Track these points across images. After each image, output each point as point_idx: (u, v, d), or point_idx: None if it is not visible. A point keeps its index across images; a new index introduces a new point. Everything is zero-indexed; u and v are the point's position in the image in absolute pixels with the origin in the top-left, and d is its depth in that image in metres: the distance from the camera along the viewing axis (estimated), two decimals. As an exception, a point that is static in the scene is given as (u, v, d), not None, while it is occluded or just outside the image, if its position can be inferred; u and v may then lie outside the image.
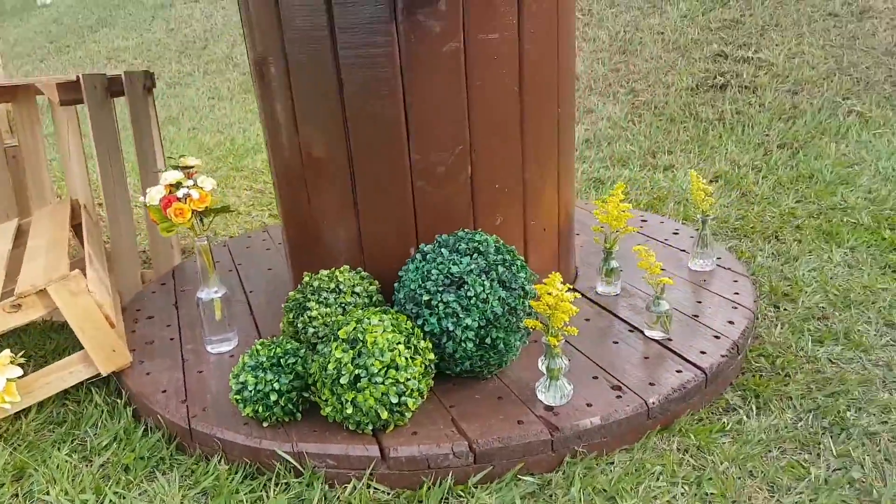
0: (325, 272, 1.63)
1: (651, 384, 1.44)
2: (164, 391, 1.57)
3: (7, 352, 1.55)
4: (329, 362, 1.34)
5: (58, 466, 1.44)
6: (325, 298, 1.56)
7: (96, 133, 2.03)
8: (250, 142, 4.62)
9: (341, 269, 1.64)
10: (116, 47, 7.28)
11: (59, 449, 1.49)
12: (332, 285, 1.58)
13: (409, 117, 1.59)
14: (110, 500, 1.34)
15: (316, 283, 1.59)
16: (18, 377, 1.55)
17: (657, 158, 3.29)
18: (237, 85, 5.79)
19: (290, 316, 1.59)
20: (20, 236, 2.12)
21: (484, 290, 1.43)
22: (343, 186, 1.70)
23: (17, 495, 1.38)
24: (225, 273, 2.28)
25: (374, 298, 1.62)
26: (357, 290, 1.59)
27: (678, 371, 1.48)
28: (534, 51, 1.65)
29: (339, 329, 1.39)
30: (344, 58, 1.57)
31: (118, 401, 1.64)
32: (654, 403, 1.40)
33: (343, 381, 1.31)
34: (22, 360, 1.57)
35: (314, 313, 1.54)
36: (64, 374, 1.63)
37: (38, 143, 2.48)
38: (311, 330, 1.54)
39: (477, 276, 1.44)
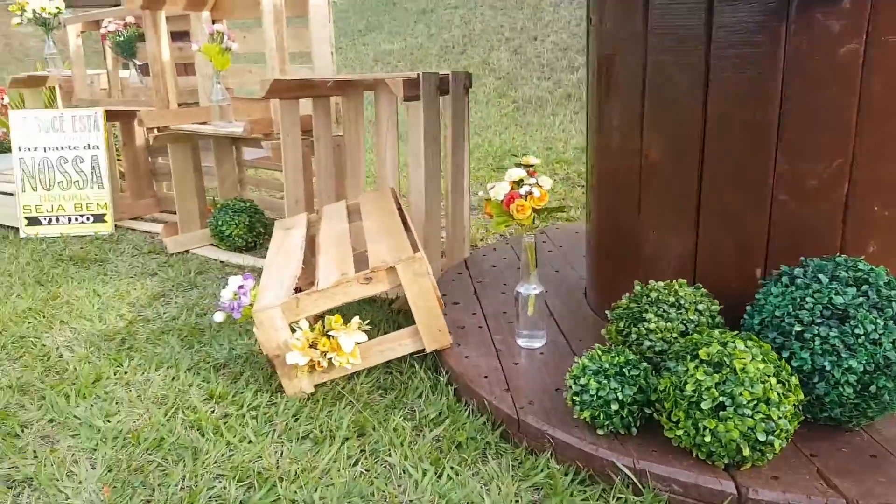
0: (660, 284, 1.55)
1: None
2: (486, 377, 1.63)
3: (357, 318, 1.73)
4: (686, 383, 1.25)
5: (395, 430, 1.56)
6: (664, 312, 1.47)
7: (427, 127, 2.19)
8: (507, 144, 4.76)
9: (679, 282, 1.54)
10: (383, 50, 8.07)
11: (393, 414, 1.62)
12: (672, 299, 1.49)
13: (782, 122, 1.43)
14: (447, 475, 1.41)
15: (653, 295, 1.51)
16: (362, 342, 1.72)
17: None
18: (492, 90, 6.02)
19: (621, 324, 1.53)
20: (349, 216, 2.38)
21: (876, 329, 1.22)
22: (686, 194, 1.60)
23: (363, 450, 1.52)
24: (514, 270, 2.32)
25: (716, 319, 1.49)
26: (700, 307, 1.48)
27: None
28: (952, 53, 1.38)
29: (697, 348, 1.29)
30: (716, 57, 1.46)
31: (440, 378, 1.74)
32: None
33: (704, 406, 1.21)
34: (368, 328, 1.74)
35: (652, 326, 1.46)
36: (395, 345, 1.78)
37: (361, 134, 2.79)
38: (646, 343, 1.47)
39: (867, 312, 1.24)
